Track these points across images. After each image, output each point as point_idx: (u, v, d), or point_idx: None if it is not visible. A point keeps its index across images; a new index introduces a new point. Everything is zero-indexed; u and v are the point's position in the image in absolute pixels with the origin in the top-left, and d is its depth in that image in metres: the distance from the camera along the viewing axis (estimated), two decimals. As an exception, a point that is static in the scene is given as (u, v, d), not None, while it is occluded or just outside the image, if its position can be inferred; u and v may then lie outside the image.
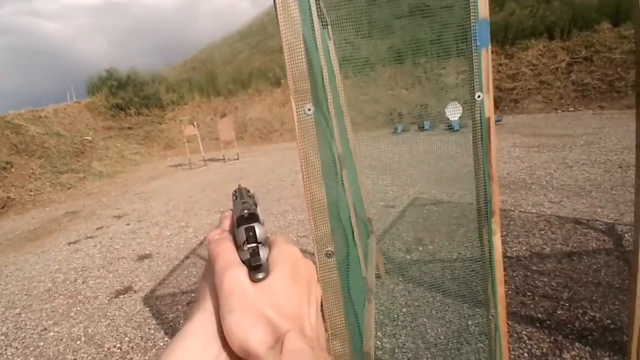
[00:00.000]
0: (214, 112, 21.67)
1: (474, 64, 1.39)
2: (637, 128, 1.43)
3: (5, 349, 3.20)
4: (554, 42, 14.89)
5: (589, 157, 6.41)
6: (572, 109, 12.80)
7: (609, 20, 13.82)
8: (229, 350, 0.31)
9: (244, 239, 0.34)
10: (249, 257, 0.33)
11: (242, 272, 0.32)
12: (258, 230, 0.35)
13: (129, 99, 21.83)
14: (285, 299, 0.32)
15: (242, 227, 0.35)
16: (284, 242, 0.37)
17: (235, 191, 0.47)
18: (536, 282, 2.93)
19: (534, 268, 3.13)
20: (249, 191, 0.47)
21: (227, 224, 0.40)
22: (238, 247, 0.35)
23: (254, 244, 0.34)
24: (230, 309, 0.30)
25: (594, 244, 3.42)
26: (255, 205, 0.42)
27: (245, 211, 0.36)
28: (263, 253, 0.34)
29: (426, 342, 2.39)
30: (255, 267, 0.33)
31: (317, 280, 0.38)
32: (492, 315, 1.64)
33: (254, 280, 0.32)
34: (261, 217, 0.40)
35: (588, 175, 5.44)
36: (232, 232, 0.38)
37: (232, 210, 0.43)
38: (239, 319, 0.30)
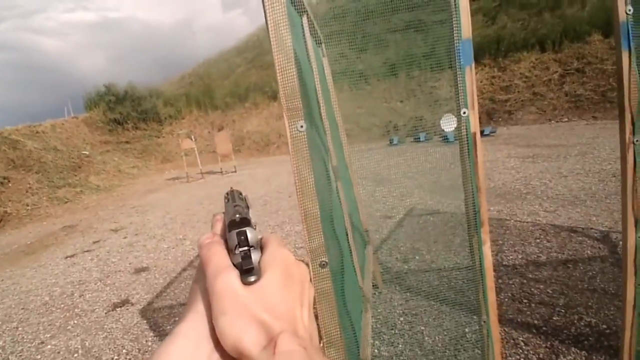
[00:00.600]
0: (211, 126, 21.77)
1: (458, 81, 1.44)
2: (621, 140, 1.49)
3: (3, 363, 3.19)
4: (546, 54, 15.11)
5: (583, 167, 6.48)
6: (566, 119, 12.95)
7: (600, 32, 14.04)
8: (222, 351, 0.31)
9: (236, 242, 0.34)
10: (240, 260, 0.34)
11: (234, 275, 0.32)
12: (250, 234, 0.35)
13: (127, 113, 21.93)
14: (277, 300, 0.33)
15: (234, 231, 0.35)
16: (276, 244, 0.37)
17: (227, 194, 0.47)
18: (532, 289, 2.95)
19: (530, 276, 3.16)
20: (240, 194, 0.47)
21: (218, 227, 0.40)
22: (230, 251, 0.35)
23: (246, 248, 0.34)
24: (222, 312, 0.31)
25: (589, 252, 3.44)
26: (248, 207, 0.42)
27: (237, 215, 0.36)
28: (255, 256, 0.34)
29: (423, 349, 2.40)
30: (247, 271, 0.33)
31: (309, 281, 0.38)
32: (484, 322, 1.66)
33: (246, 283, 0.32)
34: (253, 220, 0.40)
35: (582, 185, 5.49)
36: (224, 236, 0.38)
37: (223, 213, 0.43)
38: (232, 321, 0.30)
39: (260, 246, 0.37)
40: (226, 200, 0.45)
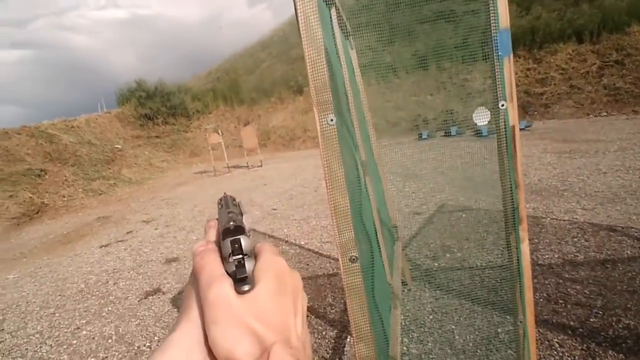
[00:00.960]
0: (237, 121, 22.05)
1: (496, 73, 1.39)
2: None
3: (40, 347, 3.33)
4: (584, 45, 14.46)
5: (623, 163, 6.18)
6: (605, 113, 12.39)
7: (640, 23, 13.35)
8: None
9: (230, 251, 0.34)
10: (234, 269, 0.33)
11: (227, 284, 0.32)
12: (244, 243, 0.35)
13: (157, 109, 22.55)
14: (271, 310, 0.32)
15: (228, 240, 0.35)
16: (270, 253, 0.37)
17: (221, 200, 0.46)
18: (569, 289, 2.84)
19: (567, 276, 3.04)
20: (234, 199, 0.47)
21: (212, 234, 0.40)
22: (223, 258, 0.35)
23: (240, 256, 0.34)
24: (215, 321, 0.30)
25: (628, 252, 3.29)
26: (241, 214, 0.42)
27: (231, 223, 0.36)
28: (249, 265, 0.34)
29: (454, 348, 2.35)
30: (241, 280, 0.32)
31: (302, 290, 0.38)
32: (521, 322, 1.61)
33: (240, 292, 0.32)
34: (247, 227, 0.40)
35: (622, 182, 5.24)
36: (218, 243, 0.38)
37: (217, 219, 0.43)
38: (225, 331, 0.30)
39: (254, 254, 0.37)
40: (219, 207, 0.45)
